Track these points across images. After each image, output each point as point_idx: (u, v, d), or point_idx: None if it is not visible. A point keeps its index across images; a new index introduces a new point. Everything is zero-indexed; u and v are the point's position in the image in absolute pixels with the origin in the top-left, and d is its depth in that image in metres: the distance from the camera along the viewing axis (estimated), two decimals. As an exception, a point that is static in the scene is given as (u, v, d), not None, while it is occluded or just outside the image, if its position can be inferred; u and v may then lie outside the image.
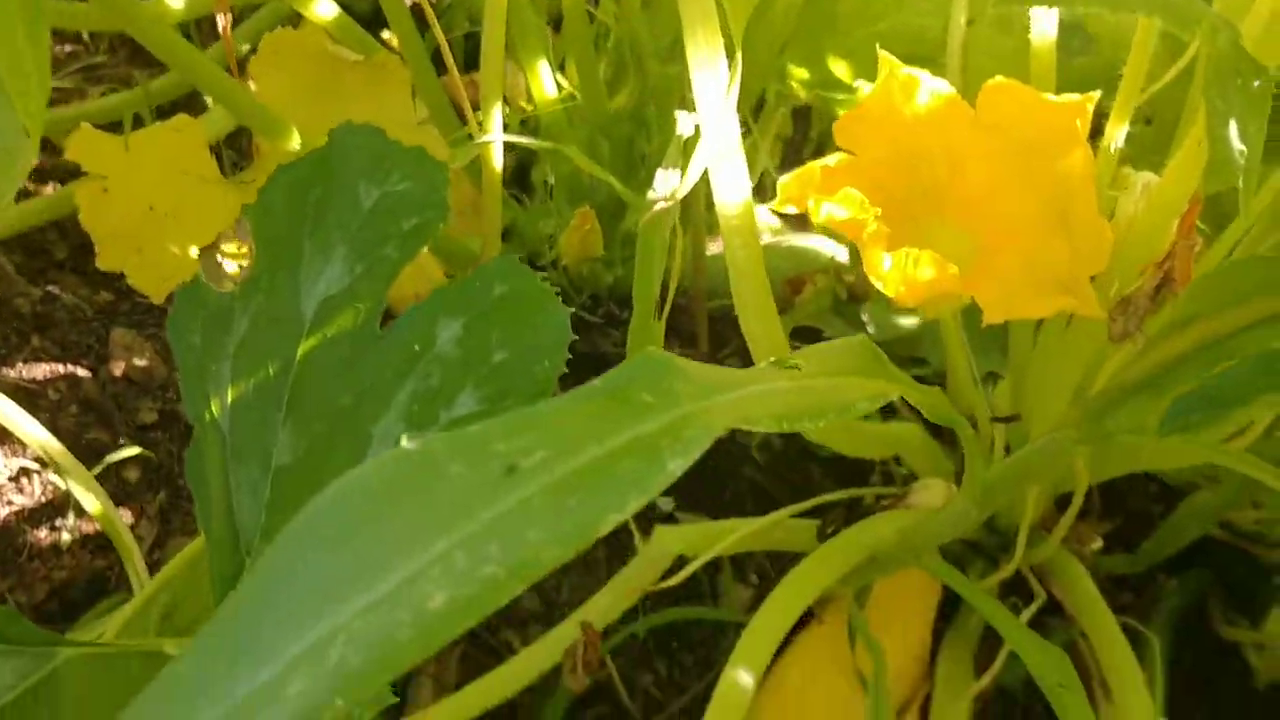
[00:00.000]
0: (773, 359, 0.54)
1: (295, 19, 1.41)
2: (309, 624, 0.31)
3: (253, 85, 1.46)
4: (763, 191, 1.70)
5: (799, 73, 1.34)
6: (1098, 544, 1.19)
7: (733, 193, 0.82)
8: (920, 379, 1.41)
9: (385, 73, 1.42)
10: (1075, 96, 0.78)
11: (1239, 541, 1.32)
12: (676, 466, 0.39)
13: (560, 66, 1.37)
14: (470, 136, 1.29)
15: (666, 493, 1.30)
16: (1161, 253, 0.76)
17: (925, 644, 1.16)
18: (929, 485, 1.13)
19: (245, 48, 1.55)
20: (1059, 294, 0.76)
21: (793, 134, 1.90)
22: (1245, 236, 0.71)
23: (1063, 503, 1.21)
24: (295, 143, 0.96)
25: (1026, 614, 1.13)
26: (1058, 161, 0.79)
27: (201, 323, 0.71)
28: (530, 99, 1.32)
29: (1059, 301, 0.75)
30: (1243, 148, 0.61)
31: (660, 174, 0.99)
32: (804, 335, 1.46)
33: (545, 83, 1.30)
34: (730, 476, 1.31)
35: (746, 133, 1.45)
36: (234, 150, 1.57)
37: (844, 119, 0.84)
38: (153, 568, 1.13)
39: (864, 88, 0.84)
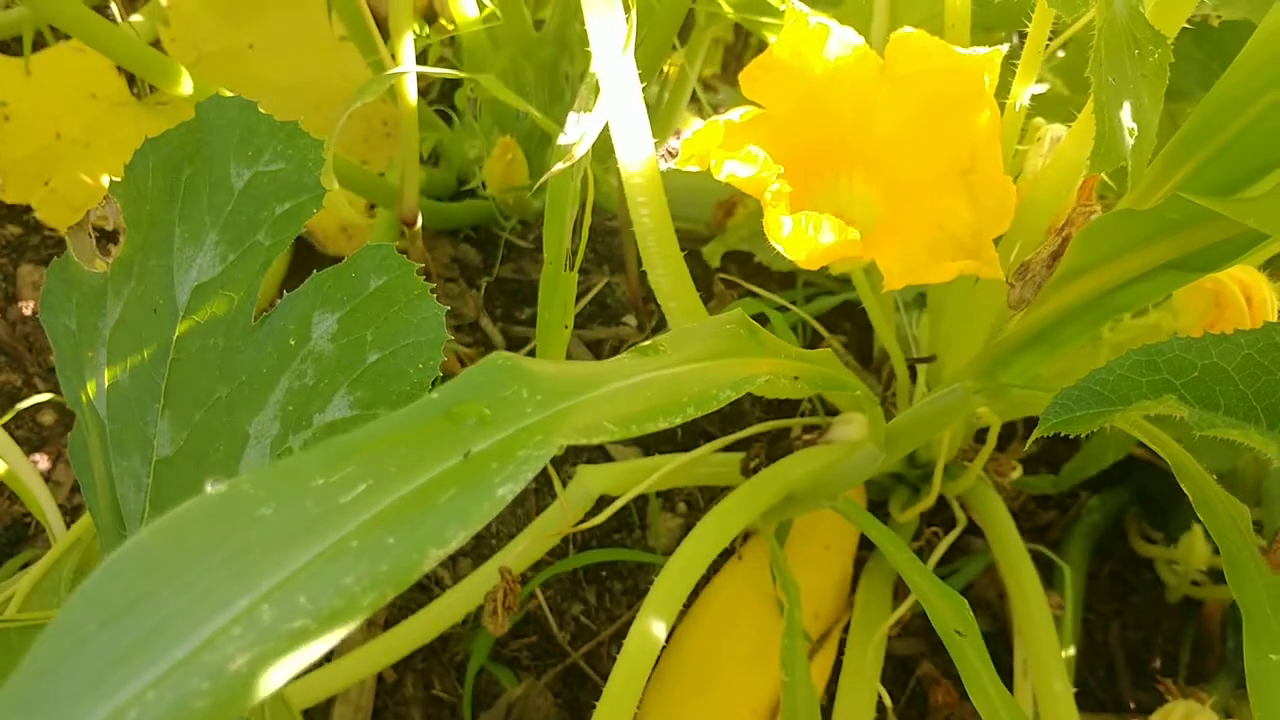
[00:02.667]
0: (638, 345, 0.52)
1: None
2: (99, 698, 0.29)
3: (164, 2, 1.40)
4: (696, 104, 1.67)
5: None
6: (1017, 472, 1.20)
7: (634, 150, 0.80)
8: (852, 304, 1.41)
9: (300, -11, 1.37)
10: (983, 51, 0.75)
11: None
12: (507, 492, 0.37)
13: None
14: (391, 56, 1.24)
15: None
16: (1065, 214, 0.74)
17: (846, 574, 1.18)
18: (849, 420, 1.13)
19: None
20: (961, 257, 0.75)
21: (733, 40, 1.85)
22: (1135, 190, 0.71)
23: (984, 433, 1.22)
24: (185, 87, 0.91)
25: (948, 540, 1.15)
26: (964, 117, 0.77)
27: (75, 304, 0.68)
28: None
29: (960, 265, 0.74)
30: (1134, 125, 0.60)
31: (571, 117, 0.96)
32: (737, 259, 1.45)
33: (465, 2, 1.25)
34: (659, 406, 1.30)
35: (675, 50, 1.41)
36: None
37: (751, 69, 0.81)
38: (72, 513, 1.12)
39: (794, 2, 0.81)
